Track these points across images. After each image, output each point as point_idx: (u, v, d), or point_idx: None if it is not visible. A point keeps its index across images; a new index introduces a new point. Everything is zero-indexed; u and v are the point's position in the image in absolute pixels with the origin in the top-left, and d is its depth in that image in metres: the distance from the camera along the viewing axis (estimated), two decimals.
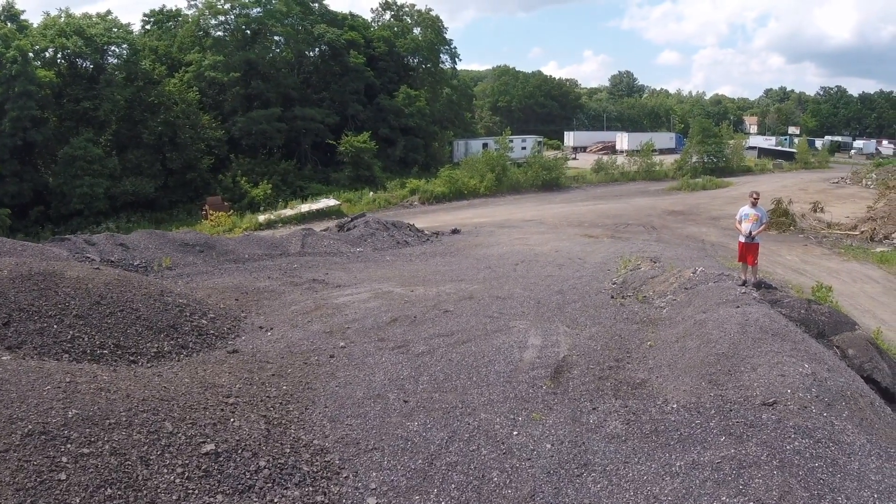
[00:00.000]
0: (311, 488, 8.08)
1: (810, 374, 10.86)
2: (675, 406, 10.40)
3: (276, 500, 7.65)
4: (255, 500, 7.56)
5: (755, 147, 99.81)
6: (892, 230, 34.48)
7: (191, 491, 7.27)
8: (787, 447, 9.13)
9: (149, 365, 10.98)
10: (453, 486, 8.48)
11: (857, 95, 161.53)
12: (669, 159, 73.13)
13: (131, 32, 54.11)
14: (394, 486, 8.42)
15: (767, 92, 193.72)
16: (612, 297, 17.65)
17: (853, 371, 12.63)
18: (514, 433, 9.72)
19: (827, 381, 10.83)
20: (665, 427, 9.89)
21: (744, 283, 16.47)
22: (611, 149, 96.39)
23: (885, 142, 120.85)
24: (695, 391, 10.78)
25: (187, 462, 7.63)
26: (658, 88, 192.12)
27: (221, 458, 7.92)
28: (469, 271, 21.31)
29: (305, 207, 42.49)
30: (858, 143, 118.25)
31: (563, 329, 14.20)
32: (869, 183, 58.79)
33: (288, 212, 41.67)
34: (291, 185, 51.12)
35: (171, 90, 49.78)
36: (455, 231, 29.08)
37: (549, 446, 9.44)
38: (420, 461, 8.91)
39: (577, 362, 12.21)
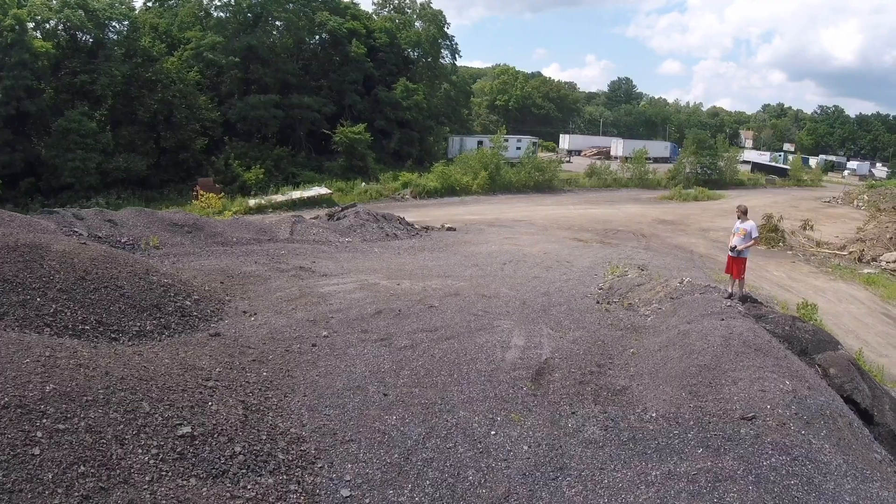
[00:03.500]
0: (285, 476, 8.05)
1: (791, 391, 10.90)
2: (654, 415, 10.43)
3: (249, 487, 7.61)
4: (229, 485, 7.51)
5: (749, 161, 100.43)
6: (880, 252, 34.71)
7: (164, 472, 7.21)
8: (764, 463, 9.17)
9: (130, 343, 10.89)
10: (428, 482, 8.47)
11: (854, 116, 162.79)
12: (663, 168, 73.44)
13: (133, 9, 53.70)
14: (368, 478, 8.39)
15: (765, 107, 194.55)
16: (598, 302, 17.68)
17: (833, 390, 12.66)
18: (492, 433, 9.72)
19: (807, 398, 10.87)
20: (643, 435, 9.91)
21: (730, 297, 16.52)
22: (605, 154, 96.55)
23: (878, 164, 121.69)
24: (675, 401, 10.80)
25: (162, 443, 7.58)
26: (657, 97, 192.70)
27: (197, 442, 7.87)
28: (456, 268, 21.30)
29: (297, 194, 42.35)
30: (852, 164, 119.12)
31: (547, 331, 14.21)
32: (860, 204, 59.20)
33: (279, 198, 41.52)
34: (284, 172, 50.87)
35: (169, 68, 49.42)
36: (449, 228, 28.87)
37: (526, 448, 9.44)
38: (396, 455, 8.89)
39: (558, 365, 12.22)
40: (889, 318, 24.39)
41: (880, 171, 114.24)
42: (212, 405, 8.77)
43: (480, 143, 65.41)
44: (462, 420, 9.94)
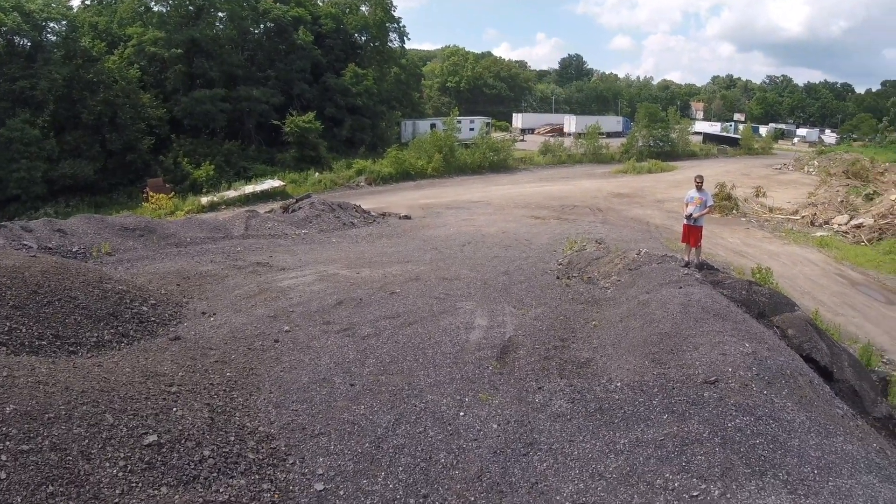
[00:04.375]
0: (257, 476, 8.01)
1: (751, 354, 11.12)
2: (618, 385, 10.57)
3: (221, 490, 7.55)
4: (201, 490, 7.44)
5: (701, 132, 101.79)
6: (832, 216, 35.57)
7: (134, 484, 7.13)
8: (729, 424, 9.36)
9: (89, 355, 10.67)
10: (401, 468, 8.50)
11: (802, 85, 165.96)
12: (616, 142, 74.05)
13: (71, 8, 52.22)
14: (341, 470, 8.39)
15: (715, 79, 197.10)
16: (558, 277, 17.81)
17: (793, 350, 12.95)
18: (461, 414, 9.78)
19: (767, 360, 11.10)
20: (609, 405, 10.05)
21: (686, 265, 16.75)
22: (558, 131, 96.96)
23: (827, 131, 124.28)
24: (638, 370, 10.96)
25: (130, 454, 7.48)
26: (608, 72, 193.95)
27: (164, 449, 7.78)
28: (416, 253, 21.27)
29: (249, 189, 41.82)
30: (802, 132, 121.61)
31: (510, 310, 14.29)
32: (811, 170, 60.49)
33: (231, 193, 40.96)
34: (235, 166, 50.01)
35: (111, 67, 48.13)
36: (404, 217, 28.62)
37: (495, 426, 9.52)
38: (367, 444, 8.89)
39: (522, 342, 12.31)
40: (843, 278, 25.03)
41: (829, 137, 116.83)
42: (177, 411, 8.66)
43: (433, 125, 65.21)
44: (430, 404, 9.98)
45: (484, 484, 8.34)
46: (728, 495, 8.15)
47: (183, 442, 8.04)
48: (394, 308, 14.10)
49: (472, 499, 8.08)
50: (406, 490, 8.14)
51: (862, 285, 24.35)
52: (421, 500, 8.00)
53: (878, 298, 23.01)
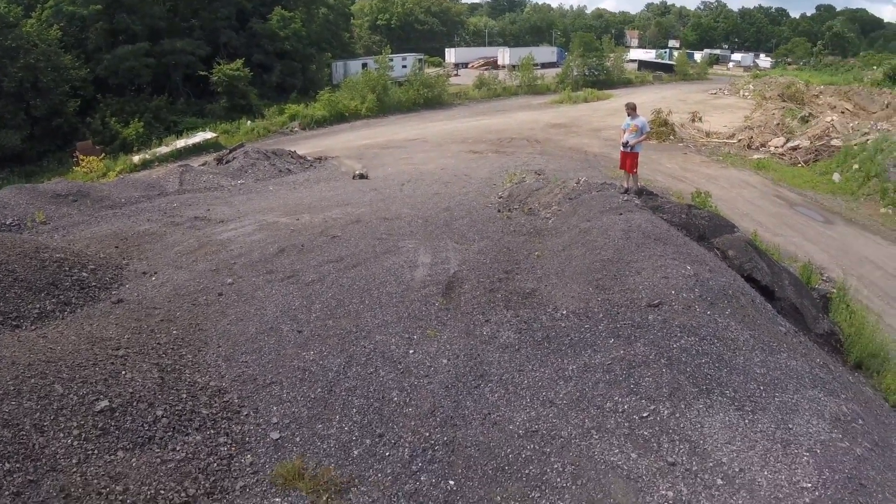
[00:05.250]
0: (212, 431, 8.04)
1: (693, 276, 11.39)
2: (564, 313, 10.79)
3: (178, 448, 7.58)
4: (157, 450, 7.46)
5: (636, 60, 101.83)
6: (768, 138, 36.15)
7: (90, 451, 7.11)
8: (674, 346, 9.66)
9: (33, 327, 10.42)
10: (354, 410, 8.62)
11: (736, 10, 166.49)
12: (551, 73, 73.67)
13: None
14: (295, 417, 8.47)
15: (648, 6, 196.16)
16: (499, 210, 17.90)
17: (734, 271, 13.29)
18: (411, 352, 9.91)
19: (709, 281, 11.39)
20: (556, 333, 10.28)
21: (626, 192, 16.95)
22: (493, 64, 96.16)
23: (762, 55, 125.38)
24: (583, 297, 11.18)
25: (83, 422, 7.44)
26: (541, 3, 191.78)
27: (117, 414, 7.75)
28: (355, 195, 21.07)
29: (181, 143, 40.63)
30: (737, 56, 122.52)
31: (452, 245, 14.36)
32: (746, 94, 61.14)
33: (163, 149, 39.75)
34: (165, 122, 48.42)
35: (29, 31, 45.82)
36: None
37: (445, 361, 9.68)
38: (319, 389, 8.98)
39: (467, 277, 12.42)
40: (781, 199, 25.63)
41: (764, 61, 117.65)
42: (126, 374, 8.59)
43: (365, 65, 63.92)
44: (379, 344, 10.07)
45: (438, 419, 8.52)
46: (677, 415, 8.45)
47: (135, 404, 8.01)
48: (336, 252, 14.04)
49: (427, 434, 8.26)
50: (361, 431, 8.28)
51: (800, 206, 24.97)
52: (377, 440, 8.14)
53: (817, 218, 23.63)
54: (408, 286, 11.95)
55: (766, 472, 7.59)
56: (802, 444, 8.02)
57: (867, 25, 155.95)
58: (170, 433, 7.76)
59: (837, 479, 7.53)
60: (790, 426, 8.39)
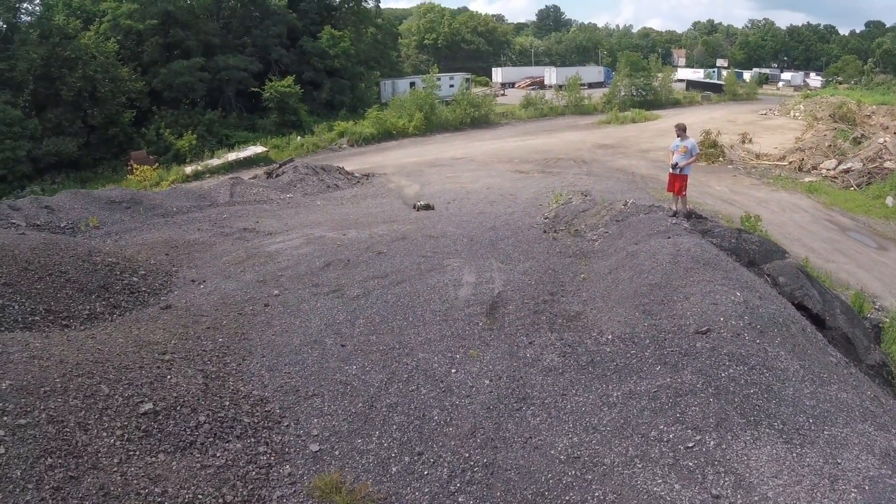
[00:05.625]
0: (252, 439, 8.06)
1: (742, 302, 11.12)
2: (610, 337, 10.61)
3: (218, 454, 7.61)
4: (198, 455, 7.50)
5: (683, 80, 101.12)
6: (819, 160, 35.51)
7: (132, 452, 7.17)
8: (722, 374, 9.40)
9: (82, 328, 10.65)
10: (394, 426, 8.56)
11: (785, 28, 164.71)
12: (598, 93, 73.46)
13: None
14: (336, 430, 8.45)
15: (695, 25, 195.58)
16: (545, 231, 17.80)
17: (784, 298, 12.96)
18: (453, 371, 9.83)
19: (759, 308, 11.12)
20: (601, 358, 10.09)
21: (674, 214, 16.72)
22: (539, 84, 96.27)
23: (812, 74, 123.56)
24: (629, 322, 10.99)
25: (126, 423, 7.52)
26: (587, 22, 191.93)
27: (160, 417, 7.82)
28: (401, 212, 21.20)
29: (232, 156, 41.47)
30: (786, 76, 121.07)
31: (497, 265, 14.29)
32: (797, 114, 60.23)
33: (215, 161, 40.61)
34: (217, 135, 49.59)
35: (87, 43, 47.34)
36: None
37: (487, 382, 9.57)
38: (360, 404, 8.95)
39: (511, 297, 12.32)
40: (833, 224, 25.09)
41: (814, 80, 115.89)
42: (171, 378, 8.69)
43: (413, 84, 64.52)
44: (422, 362, 10.02)
45: (478, 440, 8.41)
46: (723, 446, 8.21)
47: (178, 409, 8.08)
48: (381, 268, 14.09)
49: (467, 454, 8.15)
50: (401, 448, 8.21)
51: (852, 231, 24.44)
52: (416, 458, 8.06)
53: (869, 244, 23.09)
54: (451, 305, 11.90)
55: None
56: (851, 480, 7.74)
57: None
58: (211, 439, 7.81)
59: None
60: (839, 461, 8.11)
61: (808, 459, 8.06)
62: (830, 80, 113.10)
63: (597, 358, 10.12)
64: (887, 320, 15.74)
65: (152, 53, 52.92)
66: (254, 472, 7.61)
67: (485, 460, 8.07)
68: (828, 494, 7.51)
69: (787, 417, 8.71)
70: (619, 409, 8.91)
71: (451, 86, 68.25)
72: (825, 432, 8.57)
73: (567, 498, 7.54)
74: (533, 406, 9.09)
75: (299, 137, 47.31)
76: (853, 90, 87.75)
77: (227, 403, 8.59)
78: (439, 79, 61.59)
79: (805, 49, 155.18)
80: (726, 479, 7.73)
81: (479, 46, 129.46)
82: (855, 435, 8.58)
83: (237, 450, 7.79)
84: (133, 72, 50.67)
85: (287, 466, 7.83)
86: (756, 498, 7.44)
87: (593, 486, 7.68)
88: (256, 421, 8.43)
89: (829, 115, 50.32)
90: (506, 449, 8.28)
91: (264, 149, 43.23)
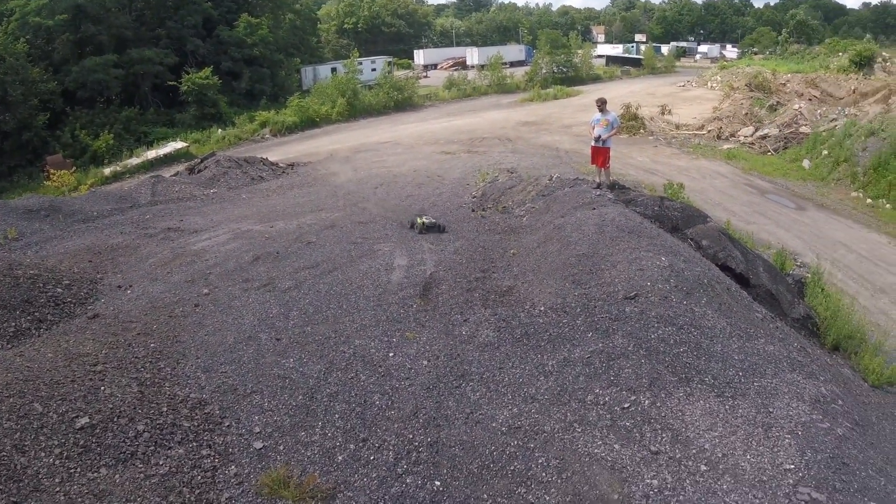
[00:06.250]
0: (195, 444, 7.99)
1: (668, 267, 11.49)
2: (542, 309, 10.84)
3: (161, 463, 7.53)
4: (140, 465, 7.40)
5: (603, 55, 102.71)
6: (737, 128, 36.56)
7: (73, 470, 7.05)
8: (652, 336, 9.75)
9: (9, 346, 10.29)
10: (337, 415, 8.61)
11: (700, 2, 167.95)
12: (520, 71, 73.79)
13: None
14: (278, 426, 8.45)
15: (614, 1, 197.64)
16: (473, 210, 17.96)
17: (708, 260, 13.42)
18: (391, 355, 9.92)
19: (684, 271, 11.50)
20: (535, 330, 10.33)
21: (598, 186, 17.07)
22: (462, 64, 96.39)
23: (728, 46, 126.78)
24: (560, 292, 11.23)
25: (64, 441, 7.37)
26: (506, 2, 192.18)
27: (98, 430, 7.69)
28: (328, 200, 21.01)
29: (152, 154, 40.29)
30: (703, 49, 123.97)
31: (428, 247, 14.37)
32: (714, 85, 61.66)
33: (134, 161, 39.40)
34: (135, 133, 47.91)
35: None
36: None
37: (425, 363, 9.71)
38: (301, 397, 8.96)
39: (444, 277, 12.44)
40: (752, 187, 25.89)
41: (731, 52, 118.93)
42: (105, 389, 8.52)
43: (334, 69, 63.75)
44: (359, 348, 10.07)
45: (421, 420, 8.55)
46: (658, 404, 8.53)
47: (116, 420, 7.95)
48: (312, 258, 14.00)
49: (411, 436, 8.27)
50: (345, 436, 8.27)
51: (771, 193, 25.21)
52: (361, 444, 8.14)
53: (788, 205, 23.87)
54: (385, 289, 11.95)
55: (748, 456, 7.69)
56: (784, 427, 8.14)
57: (830, 12, 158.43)
58: (152, 448, 7.70)
59: (820, 459, 7.64)
60: (770, 410, 8.50)
61: (740, 411, 8.43)
62: (746, 51, 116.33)
63: (531, 330, 10.33)
64: (809, 275, 16.32)
65: (63, 51, 50.81)
66: (199, 477, 7.55)
67: (429, 439, 8.21)
68: (763, 442, 7.87)
69: (717, 372, 9.08)
70: (555, 378, 9.14)
71: (374, 70, 67.71)
72: (755, 384, 8.97)
73: (511, 468, 7.73)
74: (472, 382, 9.26)
75: (220, 130, 46.24)
76: (768, 60, 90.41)
77: (165, 410, 8.47)
78: (361, 63, 60.98)
79: (721, 22, 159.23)
80: (663, 435, 8.03)
81: (400, 29, 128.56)
82: (784, 384, 8.99)
83: (180, 456, 7.71)
84: (44, 72, 48.66)
85: (233, 467, 7.79)
86: (694, 451, 7.75)
87: (536, 454, 7.89)
88: (197, 424, 8.34)
89: (746, 85, 51.67)
90: (448, 426, 8.43)
91: (184, 144, 42.12)
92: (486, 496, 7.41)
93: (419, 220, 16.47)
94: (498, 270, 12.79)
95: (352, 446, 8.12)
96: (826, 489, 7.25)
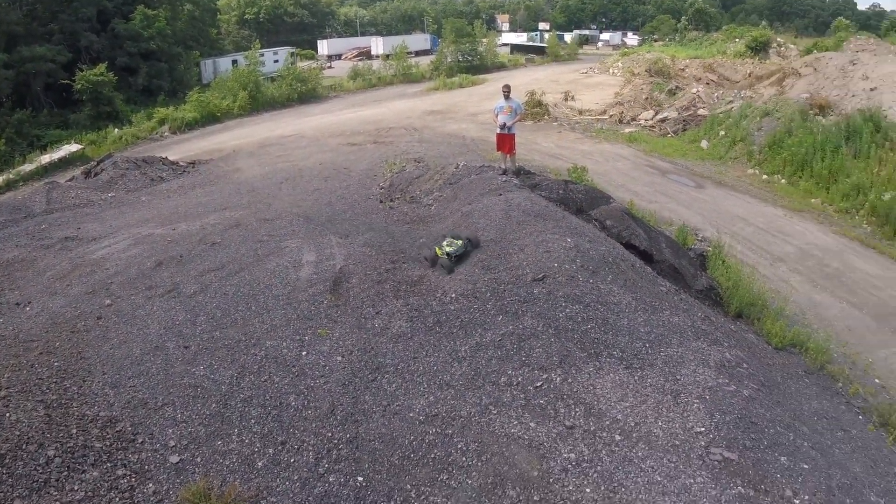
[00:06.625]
0: (109, 464, 7.77)
1: (574, 247, 11.83)
2: (453, 296, 10.99)
3: (76, 488, 7.30)
4: (55, 493, 7.16)
5: (508, 44, 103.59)
6: (638, 112, 37.53)
7: None
8: (560, 315, 10.06)
9: None
10: (253, 421, 8.51)
11: None
12: (425, 61, 73.80)
13: None
14: (194, 437, 8.29)
15: None
16: (381, 201, 17.93)
17: (612, 239, 13.88)
18: (304, 354, 9.84)
19: (589, 251, 11.86)
20: (447, 317, 10.48)
21: (504, 172, 17.31)
22: (366, 54, 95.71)
23: (630, 33, 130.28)
24: (469, 278, 11.42)
25: None
26: None
27: (7, 460, 7.39)
28: (232, 198, 20.47)
29: (46, 158, 38.40)
30: (605, 36, 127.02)
31: (336, 240, 14.21)
32: (615, 71, 62.89)
33: (28, 167, 37.48)
34: (27, 137, 45.36)
35: None
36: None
37: (339, 359, 9.68)
38: (214, 405, 8.80)
39: (354, 271, 12.35)
40: (654, 168, 26.66)
41: (632, 39, 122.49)
42: (10, 416, 8.17)
43: (235, 62, 62.10)
44: (271, 350, 9.94)
45: (338, 417, 8.55)
46: (569, 380, 8.81)
47: (24, 447, 7.64)
48: (217, 259, 13.59)
49: (330, 434, 8.27)
50: (263, 441, 8.20)
51: (671, 173, 25.99)
52: (280, 448, 8.09)
53: (688, 184, 24.68)
54: (294, 287, 11.76)
55: (660, 423, 8.03)
56: (692, 393, 8.53)
57: (728, 0, 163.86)
58: (65, 473, 7.44)
59: (729, 420, 8.04)
60: (678, 377, 8.90)
61: (649, 380, 8.81)
62: (646, 38, 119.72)
63: (442, 318, 10.46)
64: (710, 249, 17.05)
65: None
66: (118, 499, 7.35)
67: (348, 436, 8.23)
68: (673, 408, 8.23)
69: (625, 345, 9.46)
70: (468, 363, 9.30)
71: (276, 61, 66.32)
72: (662, 354, 9.37)
73: (432, 455, 7.85)
74: (387, 374, 9.32)
75: (117, 130, 44.39)
76: (668, 47, 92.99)
77: (75, 431, 8.17)
78: (263, 55, 59.67)
79: (622, 10, 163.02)
80: (577, 409, 8.30)
81: (304, 18, 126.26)
82: (690, 352, 9.42)
83: (95, 479, 7.48)
84: None
85: (150, 484, 7.61)
86: (607, 422, 8.04)
87: (455, 439, 8.03)
88: (109, 444, 8.09)
89: (646, 71, 52.92)
90: (366, 421, 8.47)
91: (80, 146, 40.30)
92: (409, 486, 7.51)
93: (442, 250, 12.59)
94: (408, 260, 12.81)
95: (271, 450, 8.05)
96: (737, 448, 7.64)
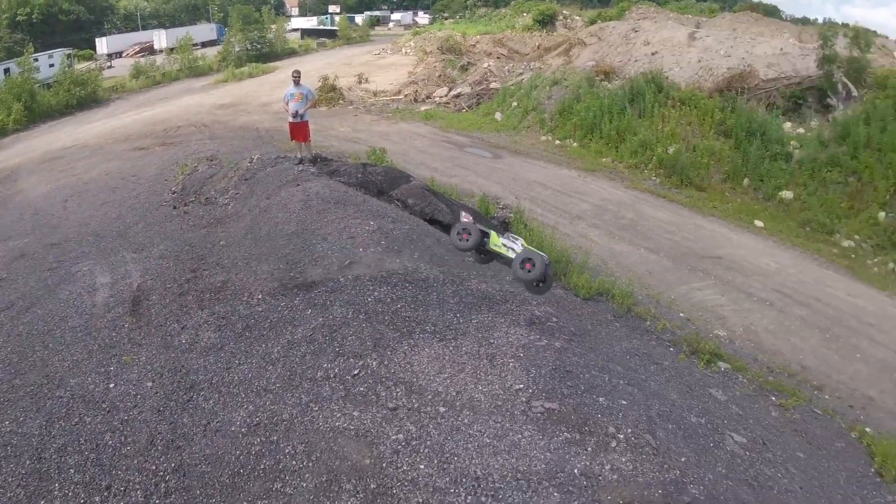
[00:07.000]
0: None
1: (377, 230, 11.99)
2: (260, 297, 10.83)
3: None
4: None
5: (298, 29, 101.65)
6: (432, 90, 38.16)
7: None
8: (369, 299, 10.17)
9: None
10: (72, 470, 7.94)
11: None
12: (212, 52, 71.18)
13: None
14: (14, 501, 7.59)
15: None
16: (174, 207, 17.12)
17: (416, 217, 14.16)
18: (112, 386, 9.32)
19: (393, 231, 12.06)
20: (255, 320, 10.29)
21: (300, 162, 17.11)
22: (149, 50, 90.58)
23: (420, 13, 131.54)
24: (275, 276, 11.30)
25: None
26: None
27: None
28: (15, 225, 18.63)
29: None
30: (396, 16, 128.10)
31: (131, 256, 13.54)
32: (408, 51, 63.54)
33: None
34: None
35: None
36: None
37: (150, 384, 9.27)
38: (28, 461, 8.10)
39: (153, 287, 11.85)
40: (451, 143, 27.30)
41: (423, 18, 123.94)
42: None
43: (7, 71, 56.70)
44: (76, 389, 9.31)
45: (159, 447, 8.17)
46: (386, 362, 8.93)
47: None
48: (5, 298, 12.49)
49: (154, 467, 7.89)
50: (87, 490, 7.68)
51: (469, 147, 26.73)
52: (105, 494, 7.62)
53: (485, 155, 25.52)
54: (91, 315, 11.06)
55: (480, 387, 8.33)
56: (507, 353, 8.93)
57: None
58: None
59: (545, 372, 8.50)
60: (492, 341, 9.26)
61: (464, 348, 9.12)
62: (437, 16, 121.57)
63: (251, 321, 10.28)
64: (512, 215, 17.93)
65: None
66: None
67: (173, 465, 7.90)
68: (490, 371, 8.60)
69: (436, 319, 9.72)
70: (283, 363, 9.20)
71: (52, 66, 60.98)
72: (474, 321, 9.73)
73: (261, 466, 7.72)
74: (202, 391, 9.02)
75: None
76: (458, 24, 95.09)
77: None
78: (37, 59, 54.71)
79: None
80: (397, 390, 8.45)
81: (80, 16, 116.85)
82: (500, 316, 9.86)
83: None
84: None
85: None
86: (429, 397, 8.26)
87: (282, 445, 7.92)
88: None
89: (438, 49, 53.61)
90: (189, 445, 8.17)
91: None
92: (245, 503, 7.32)
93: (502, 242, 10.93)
94: (209, 266, 12.42)
95: (97, 499, 7.56)
96: (557, 397, 8.11)
